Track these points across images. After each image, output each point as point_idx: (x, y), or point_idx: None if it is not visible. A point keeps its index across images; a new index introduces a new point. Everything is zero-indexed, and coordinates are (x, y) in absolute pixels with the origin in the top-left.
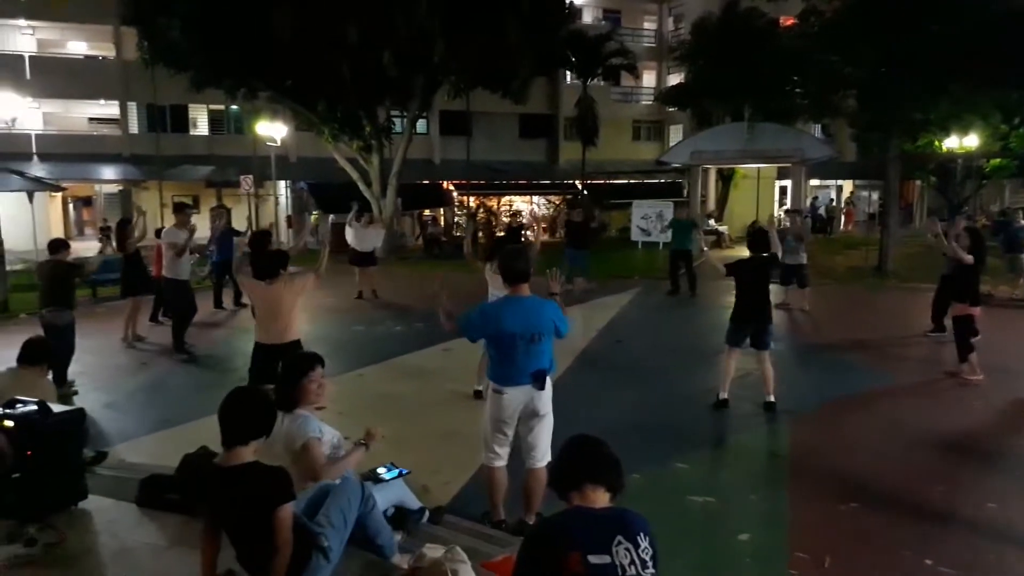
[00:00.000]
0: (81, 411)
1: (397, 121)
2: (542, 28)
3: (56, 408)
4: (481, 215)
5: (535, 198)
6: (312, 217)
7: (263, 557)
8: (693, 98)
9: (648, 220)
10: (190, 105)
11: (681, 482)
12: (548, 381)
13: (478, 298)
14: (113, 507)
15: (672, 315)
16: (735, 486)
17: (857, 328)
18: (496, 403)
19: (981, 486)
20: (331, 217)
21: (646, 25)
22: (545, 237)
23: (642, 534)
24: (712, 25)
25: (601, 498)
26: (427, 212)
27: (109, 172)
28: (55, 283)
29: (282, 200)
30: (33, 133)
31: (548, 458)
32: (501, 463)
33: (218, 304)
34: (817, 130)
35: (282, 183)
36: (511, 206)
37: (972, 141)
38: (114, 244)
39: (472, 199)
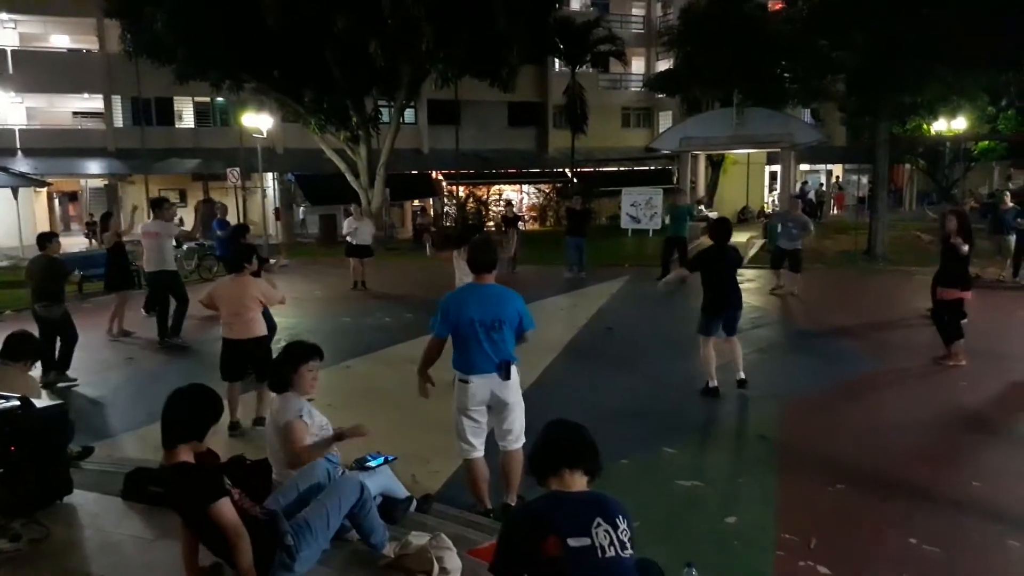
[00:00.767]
0: (64, 406)
1: (384, 111)
2: (530, 15)
3: (39, 403)
4: (471, 205)
5: (525, 187)
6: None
7: (227, 549)
8: (682, 84)
9: (638, 207)
10: (175, 98)
11: (669, 467)
12: (514, 371)
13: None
14: (98, 501)
15: (662, 302)
16: (723, 470)
17: (847, 312)
18: (462, 392)
19: (967, 466)
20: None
21: (634, 11)
22: (534, 226)
23: (620, 516)
24: (700, 10)
25: (579, 482)
26: (416, 202)
27: (94, 167)
28: (46, 278)
29: (270, 192)
30: (17, 128)
31: (523, 440)
32: (477, 454)
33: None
34: (806, 115)
35: (269, 175)
36: (500, 195)
37: (960, 124)
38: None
39: (461, 189)
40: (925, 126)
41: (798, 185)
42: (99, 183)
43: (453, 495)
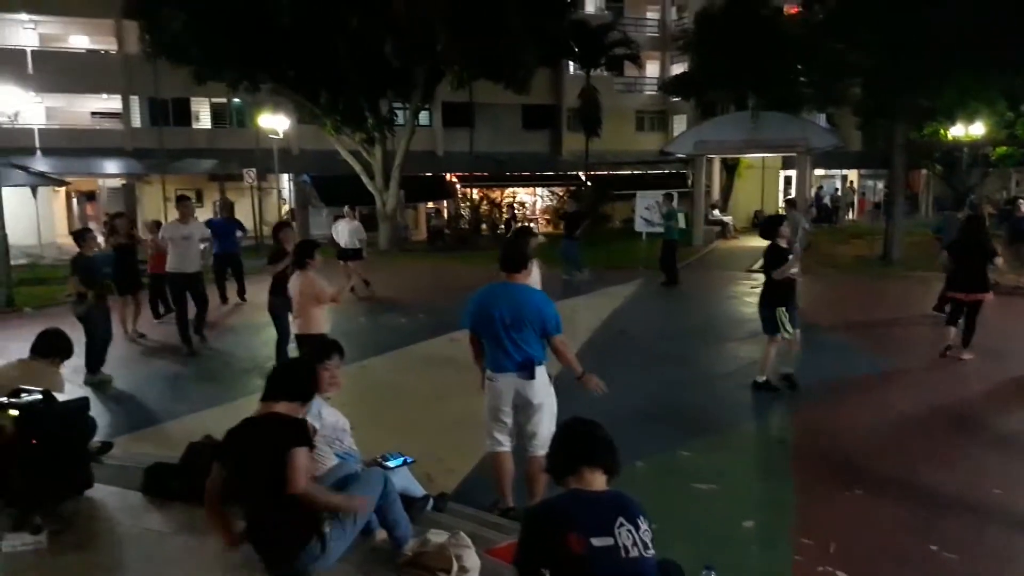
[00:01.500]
0: (86, 400)
1: (399, 113)
2: (545, 17)
3: (61, 397)
4: (484, 207)
5: (539, 190)
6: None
7: (271, 528)
8: (697, 88)
9: (651, 211)
10: (192, 98)
11: (685, 469)
12: (540, 371)
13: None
14: (118, 495)
15: (675, 305)
16: (740, 473)
17: (864, 316)
18: (489, 389)
19: (987, 471)
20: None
21: (649, 14)
22: (549, 229)
23: (641, 516)
24: (716, 14)
25: (599, 480)
26: (430, 204)
27: (112, 166)
28: (86, 275)
29: (285, 193)
30: (36, 128)
31: (548, 448)
32: (503, 448)
33: (223, 298)
34: (822, 120)
35: (285, 176)
36: (515, 198)
37: (978, 129)
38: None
39: (475, 191)
40: (942, 131)
41: (812, 190)
42: (117, 183)
43: (468, 494)
